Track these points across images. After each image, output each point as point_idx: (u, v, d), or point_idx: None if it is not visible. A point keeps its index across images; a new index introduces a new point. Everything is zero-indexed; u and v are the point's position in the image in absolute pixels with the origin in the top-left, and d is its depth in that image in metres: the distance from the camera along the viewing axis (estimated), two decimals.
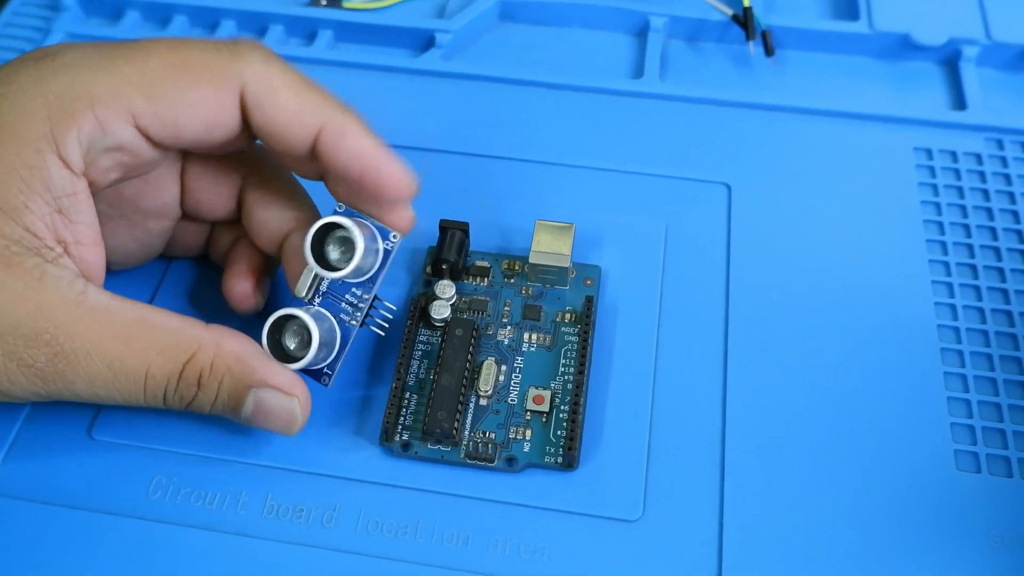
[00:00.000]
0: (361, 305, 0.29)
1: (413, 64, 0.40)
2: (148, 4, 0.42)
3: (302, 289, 0.29)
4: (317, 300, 0.29)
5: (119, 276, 0.33)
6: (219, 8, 0.42)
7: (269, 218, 0.30)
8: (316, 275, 0.29)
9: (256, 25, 0.42)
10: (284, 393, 0.28)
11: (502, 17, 0.43)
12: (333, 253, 0.29)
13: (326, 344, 0.29)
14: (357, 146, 0.28)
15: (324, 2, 0.42)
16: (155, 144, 0.27)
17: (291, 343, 0.29)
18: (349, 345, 0.29)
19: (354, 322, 0.29)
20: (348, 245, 0.28)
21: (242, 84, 0.27)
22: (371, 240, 0.28)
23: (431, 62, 0.40)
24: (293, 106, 0.28)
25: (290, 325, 0.29)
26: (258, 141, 0.29)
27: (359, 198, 0.29)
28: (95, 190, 0.27)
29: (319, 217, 0.29)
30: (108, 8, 0.43)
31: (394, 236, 0.29)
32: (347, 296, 0.29)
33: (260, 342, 0.28)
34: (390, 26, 0.41)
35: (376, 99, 0.39)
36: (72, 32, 0.42)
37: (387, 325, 0.30)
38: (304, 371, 0.29)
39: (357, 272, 0.28)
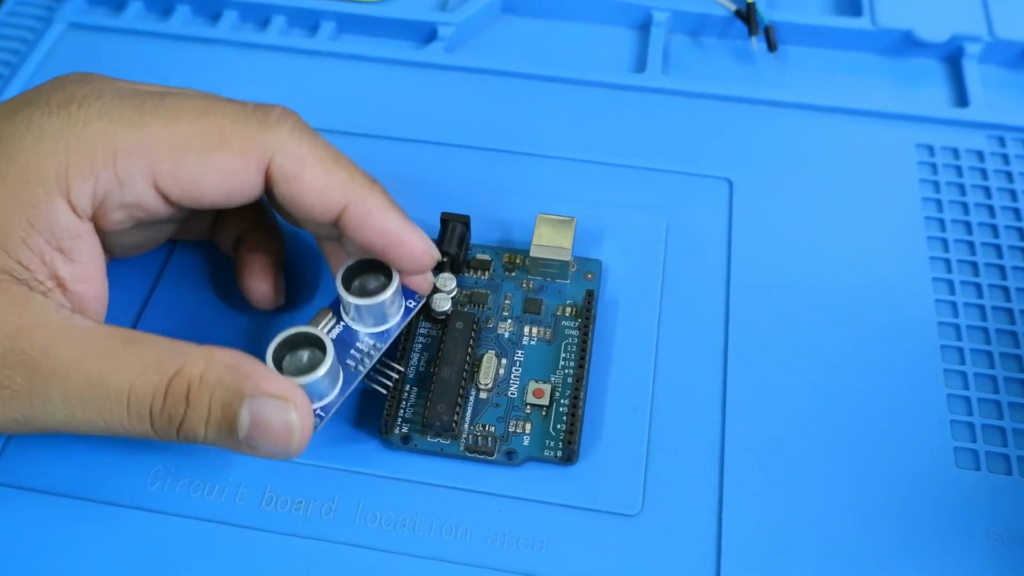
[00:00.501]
0: (372, 353, 0.29)
1: (415, 57, 0.40)
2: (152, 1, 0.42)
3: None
4: None
5: (124, 261, 0.33)
6: None
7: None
8: (328, 319, 0.29)
9: (258, 16, 0.42)
10: (281, 400, 0.25)
11: (504, 10, 0.43)
12: (359, 289, 0.29)
13: (330, 375, 0.27)
14: (382, 223, 0.28)
15: None
16: (171, 203, 0.27)
17: (294, 368, 0.27)
18: (348, 392, 0.28)
19: (360, 368, 0.28)
20: (376, 287, 0.29)
21: (270, 157, 0.27)
22: (398, 293, 0.29)
23: (433, 55, 0.40)
24: (320, 184, 0.27)
25: (298, 349, 0.28)
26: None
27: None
28: (104, 235, 0.27)
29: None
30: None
31: (419, 297, 0.29)
32: (358, 344, 0.29)
33: (264, 358, 0.27)
34: (392, 18, 0.41)
35: (378, 92, 0.39)
36: (75, 22, 0.42)
37: (391, 384, 0.30)
38: None
39: (379, 314, 0.28)
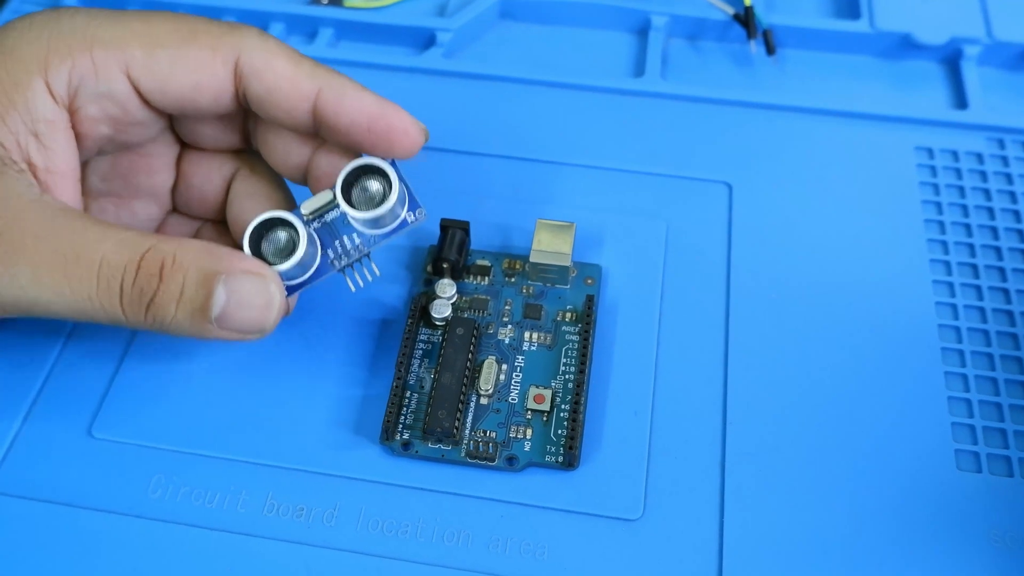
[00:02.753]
0: (354, 253, 0.29)
1: (414, 63, 0.40)
2: (149, 3, 0.42)
3: (309, 207, 0.28)
4: (315, 225, 0.29)
5: None
6: (220, 7, 0.42)
7: (247, 208, 0.30)
8: (329, 202, 0.28)
9: (257, 23, 0.42)
10: (259, 275, 0.26)
11: (503, 15, 0.43)
12: (359, 195, 0.28)
13: (303, 264, 0.28)
14: (359, 100, 0.28)
15: (325, 0, 0.42)
16: (144, 101, 0.28)
17: (269, 250, 0.28)
18: (318, 281, 0.29)
19: (337, 263, 0.29)
20: (377, 192, 0.28)
21: (238, 53, 0.28)
22: (400, 202, 0.28)
23: (432, 60, 0.40)
24: (289, 72, 0.28)
25: (274, 232, 0.28)
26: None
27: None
28: (86, 143, 0.28)
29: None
30: (108, 8, 0.43)
31: (420, 212, 0.29)
32: (345, 238, 0.29)
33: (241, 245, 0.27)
34: (391, 24, 0.41)
35: None
36: None
37: (362, 284, 0.29)
38: None
39: (373, 222, 0.28)
